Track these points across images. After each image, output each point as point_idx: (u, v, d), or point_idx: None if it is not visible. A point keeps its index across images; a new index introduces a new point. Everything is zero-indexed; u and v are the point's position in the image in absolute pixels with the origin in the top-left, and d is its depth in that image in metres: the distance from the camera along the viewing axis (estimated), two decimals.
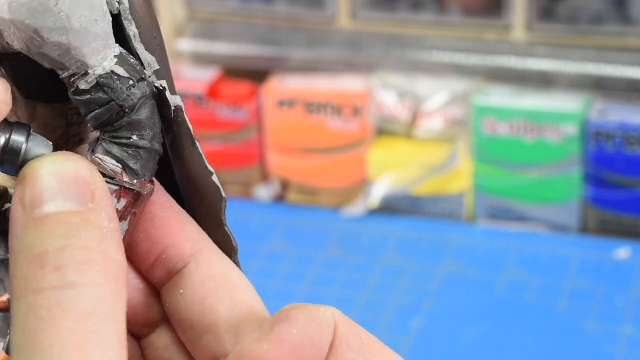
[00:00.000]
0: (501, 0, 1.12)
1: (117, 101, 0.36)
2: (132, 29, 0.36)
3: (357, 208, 1.17)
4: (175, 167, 0.39)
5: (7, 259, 0.36)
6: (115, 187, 0.36)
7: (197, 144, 0.38)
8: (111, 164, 0.36)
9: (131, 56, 0.36)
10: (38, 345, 0.31)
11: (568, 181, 1.10)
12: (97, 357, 0.31)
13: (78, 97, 0.36)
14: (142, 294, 0.40)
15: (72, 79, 0.35)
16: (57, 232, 0.33)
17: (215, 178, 0.39)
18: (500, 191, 1.13)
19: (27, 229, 0.33)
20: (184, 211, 0.40)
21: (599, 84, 1.10)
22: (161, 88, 0.37)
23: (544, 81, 1.12)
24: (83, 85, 0.35)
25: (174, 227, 0.40)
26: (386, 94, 1.15)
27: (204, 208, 0.40)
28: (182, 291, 0.39)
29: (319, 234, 1.14)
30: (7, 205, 0.37)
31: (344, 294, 1.04)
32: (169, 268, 0.40)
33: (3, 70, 0.37)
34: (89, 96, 0.36)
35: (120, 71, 0.36)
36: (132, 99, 0.36)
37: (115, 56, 0.36)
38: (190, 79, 1.19)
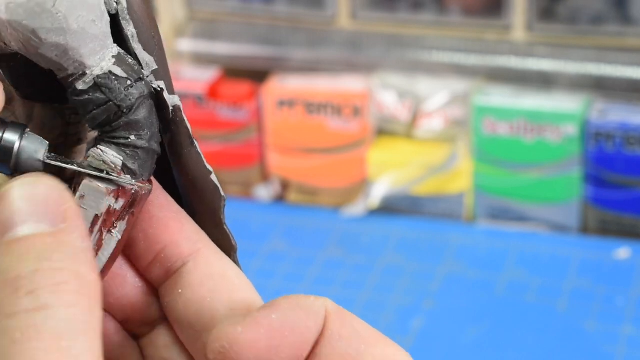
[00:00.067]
0: (501, 0, 1.12)
1: (115, 101, 0.36)
2: (130, 29, 0.36)
3: (357, 208, 1.17)
4: (173, 167, 0.39)
5: None
6: (113, 187, 0.36)
7: (196, 143, 0.38)
8: (112, 155, 0.36)
9: (129, 56, 0.36)
10: None
11: (568, 181, 1.10)
12: None
13: (76, 98, 0.36)
14: (141, 292, 0.41)
15: (70, 80, 0.36)
16: (30, 255, 0.33)
17: (214, 177, 0.39)
18: (500, 191, 1.13)
19: (0, 254, 0.33)
20: (182, 211, 0.40)
21: (599, 84, 1.10)
22: (159, 89, 0.37)
23: (544, 81, 1.12)
24: (81, 86, 0.35)
25: (172, 226, 0.40)
26: (386, 94, 1.15)
27: (203, 207, 0.40)
28: (180, 290, 0.39)
29: (319, 234, 1.14)
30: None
31: (344, 294, 1.04)
32: (167, 267, 0.40)
33: (1, 71, 0.37)
34: (86, 96, 0.36)
35: (118, 71, 0.36)
36: (129, 99, 0.36)
37: (113, 56, 0.36)
38: (190, 79, 1.19)
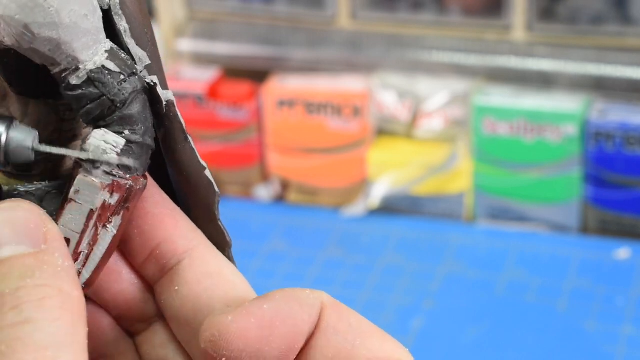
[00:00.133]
0: (501, 0, 1.12)
1: (109, 96, 0.36)
2: (122, 24, 0.36)
3: (357, 208, 1.17)
4: (167, 162, 0.39)
5: None
6: (108, 182, 0.36)
7: (190, 138, 0.38)
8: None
9: (122, 51, 0.36)
10: None
11: (568, 181, 1.10)
12: None
13: (69, 92, 0.36)
14: (137, 289, 0.41)
15: (63, 74, 0.36)
16: (13, 275, 0.33)
17: (208, 172, 0.39)
18: (500, 191, 1.13)
19: None
20: (177, 208, 0.40)
21: (599, 84, 1.10)
22: (152, 84, 0.37)
23: (544, 81, 1.12)
24: (74, 81, 0.36)
25: (167, 223, 0.40)
26: (386, 94, 1.15)
27: (197, 203, 0.40)
28: (177, 288, 0.39)
29: (319, 234, 1.14)
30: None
31: (344, 294, 1.04)
32: (163, 264, 0.40)
33: None
34: (80, 91, 0.36)
35: (111, 66, 0.36)
36: (123, 94, 0.36)
37: (106, 51, 0.36)
38: (190, 79, 1.19)
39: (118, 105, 0.36)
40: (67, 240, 0.36)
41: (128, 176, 0.36)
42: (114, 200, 0.36)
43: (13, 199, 0.36)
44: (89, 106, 0.36)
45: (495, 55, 1.13)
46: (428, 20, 1.16)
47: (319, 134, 1.17)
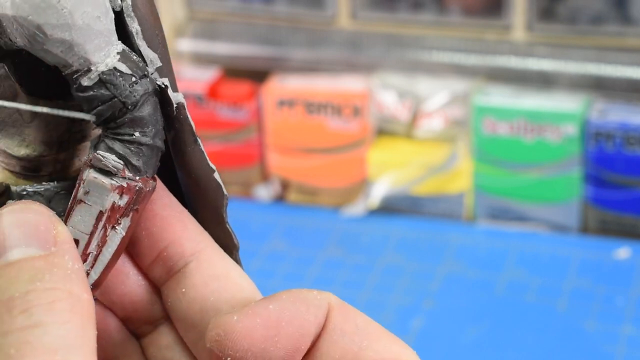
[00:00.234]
0: (501, 0, 1.12)
1: (120, 97, 0.36)
2: (134, 26, 0.36)
3: (357, 208, 1.17)
4: (176, 165, 0.39)
5: None
6: (118, 184, 0.36)
7: (199, 141, 0.38)
8: (112, 160, 0.36)
9: (133, 53, 0.36)
10: None
11: (568, 181, 1.10)
12: None
13: (81, 94, 0.36)
14: (144, 290, 0.41)
15: (75, 76, 0.36)
16: (23, 277, 0.33)
17: (216, 175, 0.39)
18: (500, 191, 1.13)
19: None
20: (185, 210, 0.40)
21: (599, 84, 1.10)
22: (163, 86, 0.37)
23: (544, 81, 1.12)
24: (86, 82, 0.36)
25: (175, 225, 0.40)
26: (386, 94, 1.15)
27: (206, 205, 0.40)
28: (184, 290, 0.39)
29: (319, 234, 1.14)
30: (8, 202, 0.38)
31: (344, 294, 1.04)
32: (170, 266, 0.40)
33: (6, 67, 0.37)
34: (91, 92, 0.36)
35: (123, 68, 0.36)
36: (134, 96, 0.36)
37: (118, 53, 0.36)
38: (190, 79, 1.19)
39: (129, 107, 0.36)
40: (76, 242, 0.36)
41: (138, 178, 0.36)
42: (123, 202, 0.36)
43: (23, 200, 0.36)
44: (100, 107, 0.36)
45: (495, 55, 1.13)
46: (428, 20, 1.16)
47: (319, 134, 1.17)
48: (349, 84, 1.16)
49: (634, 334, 0.96)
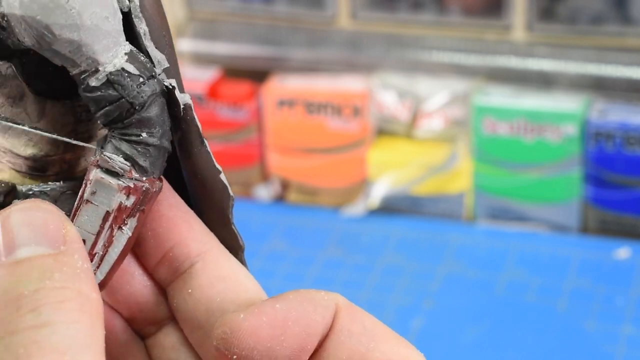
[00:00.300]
0: (501, 0, 1.12)
1: (127, 98, 0.36)
2: (142, 27, 0.36)
3: (357, 208, 1.17)
4: (183, 165, 0.39)
5: None
6: (125, 184, 0.36)
7: (206, 142, 0.39)
8: (119, 162, 0.36)
9: (141, 54, 0.36)
10: None
11: (568, 181, 1.10)
12: None
13: (88, 94, 0.36)
14: (149, 291, 0.41)
15: (83, 76, 0.36)
16: (32, 275, 0.33)
17: (223, 176, 0.39)
18: (500, 191, 1.13)
19: (2, 275, 0.33)
20: (191, 211, 0.40)
21: (599, 84, 1.10)
22: (170, 87, 0.37)
23: (544, 81, 1.12)
24: (93, 82, 0.36)
25: (181, 226, 0.40)
26: (386, 94, 1.15)
27: (211, 206, 0.40)
28: (189, 290, 0.39)
29: (319, 234, 1.14)
30: (14, 202, 0.38)
31: (344, 294, 1.03)
32: (175, 267, 0.40)
33: (13, 67, 0.37)
34: (99, 93, 0.36)
35: (131, 68, 0.36)
36: (142, 96, 0.36)
37: (126, 53, 0.36)
38: (190, 79, 1.19)
39: (137, 107, 0.36)
40: (83, 242, 0.36)
41: (144, 179, 0.36)
42: (130, 202, 0.36)
43: (32, 199, 0.36)
44: (107, 108, 0.36)
45: (495, 55, 1.13)
46: (428, 20, 1.16)
47: (319, 134, 1.17)
48: (349, 84, 1.16)
49: (634, 334, 0.96)
